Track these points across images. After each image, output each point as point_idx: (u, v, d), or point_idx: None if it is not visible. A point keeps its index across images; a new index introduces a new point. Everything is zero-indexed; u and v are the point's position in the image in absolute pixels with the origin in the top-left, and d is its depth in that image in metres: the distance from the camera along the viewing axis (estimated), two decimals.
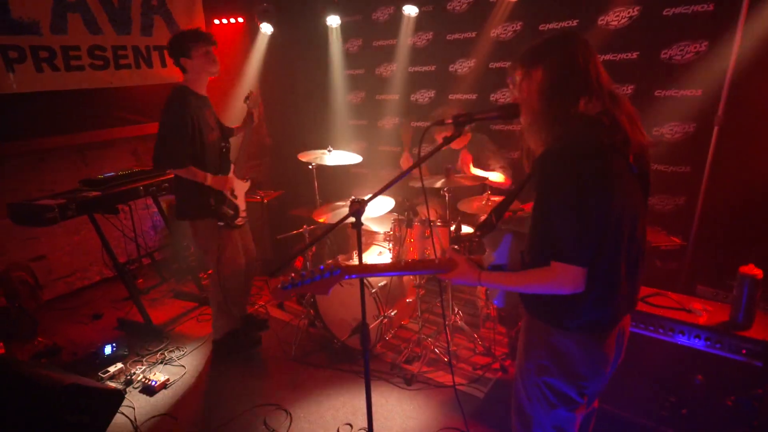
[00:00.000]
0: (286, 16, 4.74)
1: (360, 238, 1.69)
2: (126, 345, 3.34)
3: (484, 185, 3.29)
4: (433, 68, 4.39)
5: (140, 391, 2.91)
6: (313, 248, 3.85)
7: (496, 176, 3.46)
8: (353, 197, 2.00)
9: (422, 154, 1.57)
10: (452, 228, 3.03)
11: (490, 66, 4.02)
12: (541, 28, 3.65)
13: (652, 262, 2.92)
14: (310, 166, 3.39)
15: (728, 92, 2.81)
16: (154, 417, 2.70)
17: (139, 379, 2.99)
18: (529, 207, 2.87)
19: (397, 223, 3.13)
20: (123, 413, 2.69)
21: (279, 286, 1.46)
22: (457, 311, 3.27)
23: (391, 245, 3.22)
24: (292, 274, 1.47)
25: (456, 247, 3.40)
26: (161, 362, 3.20)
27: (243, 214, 3.16)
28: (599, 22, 3.37)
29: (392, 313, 3.05)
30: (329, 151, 3.37)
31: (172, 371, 3.11)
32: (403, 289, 3.25)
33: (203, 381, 3.03)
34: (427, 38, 4.36)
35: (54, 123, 3.94)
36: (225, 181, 2.98)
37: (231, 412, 2.70)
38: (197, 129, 2.81)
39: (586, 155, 1.25)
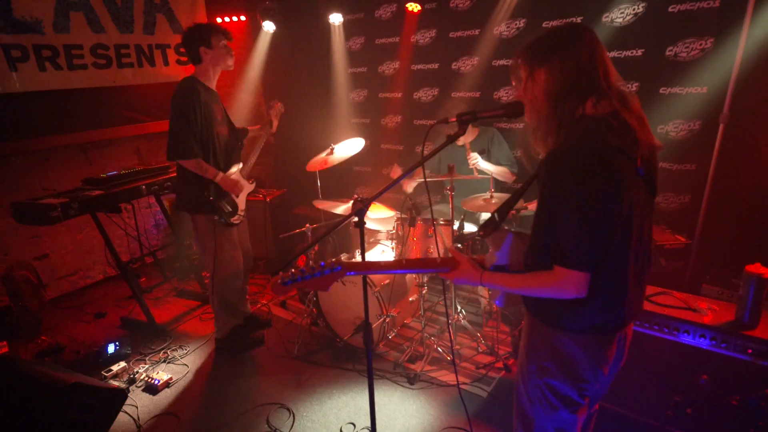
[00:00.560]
0: (288, 14, 4.73)
1: (363, 237, 1.68)
2: (129, 344, 3.34)
3: (489, 180, 3.28)
4: (436, 66, 4.38)
5: (143, 390, 2.92)
6: (316, 247, 3.84)
7: (503, 171, 3.45)
8: (356, 196, 1.99)
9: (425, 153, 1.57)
10: (455, 227, 3.02)
11: (493, 63, 4.00)
12: (544, 25, 3.63)
13: (657, 261, 2.90)
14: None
15: (734, 90, 2.78)
16: (157, 416, 2.71)
17: (142, 377, 2.99)
18: (532, 206, 2.86)
19: (400, 221, 3.12)
20: (126, 412, 2.70)
21: (279, 281, 1.46)
22: (460, 310, 3.26)
23: (394, 244, 3.21)
24: (292, 270, 1.46)
25: (459, 246, 3.38)
26: (164, 361, 3.21)
27: (241, 213, 3.16)
28: (604, 19, 3.35)
29: (395, 312, 3.05)
30: (332, 150, 3.37)
31: (175, 370, 3.12)
32: (406, 288, 3.25)
33: (206, 380, 3.03)
34: (431, 36, 4.34)
35: (57, 122, 3.96)
36: (234, 184, 2.99)
37: (234, 411, 2.71)
38: (204, 118, 2.82)
39: (592, 158, 1.21)
